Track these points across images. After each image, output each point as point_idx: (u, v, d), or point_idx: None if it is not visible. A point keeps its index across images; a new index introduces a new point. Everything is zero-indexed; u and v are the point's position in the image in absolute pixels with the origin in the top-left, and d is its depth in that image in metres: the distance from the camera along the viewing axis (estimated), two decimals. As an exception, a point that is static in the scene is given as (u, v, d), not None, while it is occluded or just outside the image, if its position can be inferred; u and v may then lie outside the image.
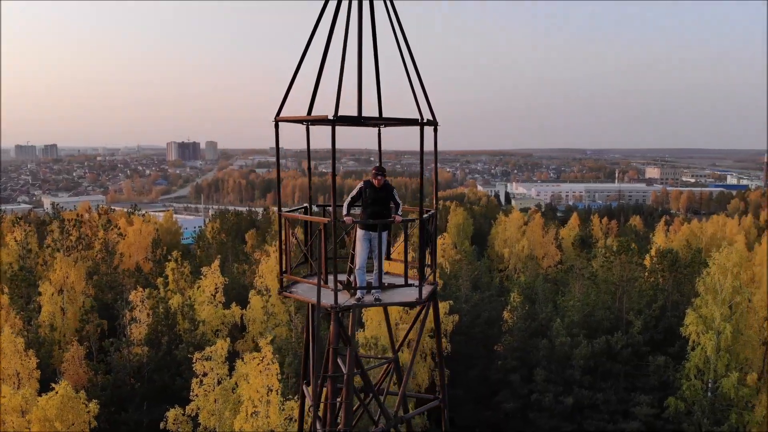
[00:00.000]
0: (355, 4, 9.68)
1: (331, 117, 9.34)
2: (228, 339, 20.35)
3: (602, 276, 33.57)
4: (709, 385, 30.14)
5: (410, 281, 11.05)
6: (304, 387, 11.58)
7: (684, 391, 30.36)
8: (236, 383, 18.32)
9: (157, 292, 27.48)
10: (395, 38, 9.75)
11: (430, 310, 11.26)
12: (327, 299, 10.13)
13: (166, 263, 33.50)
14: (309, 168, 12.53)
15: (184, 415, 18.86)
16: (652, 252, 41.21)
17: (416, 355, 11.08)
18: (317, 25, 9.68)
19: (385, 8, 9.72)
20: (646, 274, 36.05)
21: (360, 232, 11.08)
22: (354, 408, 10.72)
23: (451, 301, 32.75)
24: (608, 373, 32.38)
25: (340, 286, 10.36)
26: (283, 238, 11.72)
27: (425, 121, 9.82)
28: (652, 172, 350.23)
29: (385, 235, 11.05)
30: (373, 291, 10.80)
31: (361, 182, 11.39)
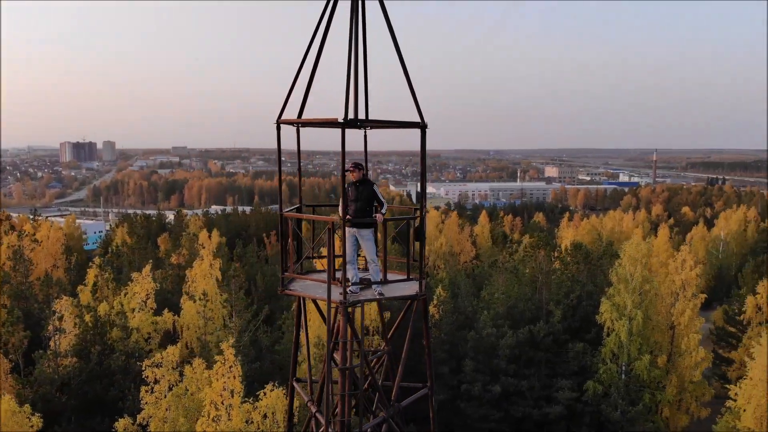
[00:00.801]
0: (345, 8, 9.83)
1: (341, 120, 9.43)
2: (180, 345, 19.68)
3: (523, 270, 35.39)
4: (623, 368, 32.52)
5: (393, 277, 11.50)
6: (294, 384, 11.56)
7: (601, 374, 32.62)
8: (186, 388, 17.80)
9: (78, 301, 25.87)
10: (393, 42, 9.98)
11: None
12: (325, 294, 10.36)
13: (88, 270, 31.70)
14: (299, 169, 12.42)
15: (134, 424, 18.04)
16: (565, 245, 43.80)
17: (408, 345, 11.40)
18: (317, 29, 9.76)
19: (383, 13, 9.92)
20: (562, 266, 38.28)
21: (346, 230, 11.23)
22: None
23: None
24: (531, 361, 34.11)
25: (348, 283, 10.61)
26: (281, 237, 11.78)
27: (424, 124, 10.16)
28: (551, 171, 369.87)
29: (368, 232, 11.25)
30: (374, 286, 11.05)
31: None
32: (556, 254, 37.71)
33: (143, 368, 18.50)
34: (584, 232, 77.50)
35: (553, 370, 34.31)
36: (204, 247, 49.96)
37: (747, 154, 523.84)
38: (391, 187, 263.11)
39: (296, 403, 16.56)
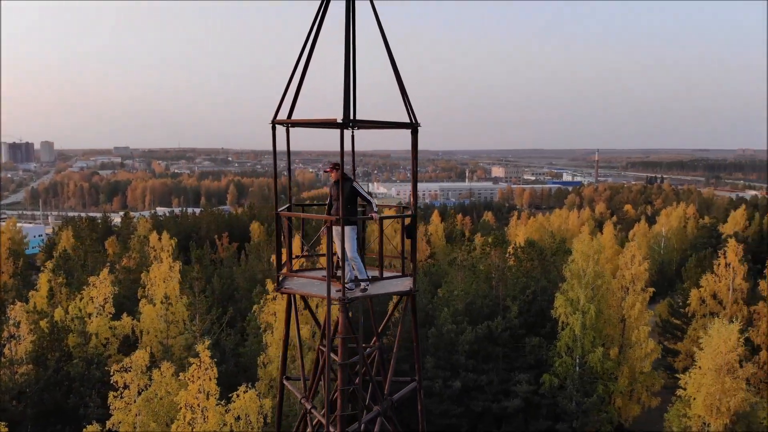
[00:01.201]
0: (339, 11, 9.93)
1: (340, 120, 9.50)
2: (151, 350, 19.22)
3: (480, 267, 36.17)
4: (578, 360, 33.66)
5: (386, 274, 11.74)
6: (284, 381, 11.54)
7: (557, 367, 33.66)
8: (155, 392, 17.41)
9: (30, 306, 24.81)
10: (385, 43, 10.13)
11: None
12: (320, 291, 10.50)
13: (39, 274, 30.40)
14: (289, 169, 12.38)
15: (103, 430, 17.46)
16: (518, 243, 44.91)
17: (398, 340, 11.59)
18: (311, 31, 9.81)
19: (374, 15, 10.06)
20: (517, 263, 39.26)
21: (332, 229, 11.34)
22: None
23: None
24: (490, 356, 34.86)
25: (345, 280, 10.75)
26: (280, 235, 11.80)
27: (416, 124, 10.35)
28: (497, 171, 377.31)
29: (350, 230, 11.36)
30: (362, 283, 11.18)
31: None
32: (511, 251, 38.67)
33: (112, 373, 18.00)
34: (533, 230, 79.70)
35: (510, 364, 35.15)
36: (156, 250, 48.83)
37: (683, 153, 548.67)
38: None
39: (271, 403, 16.51)
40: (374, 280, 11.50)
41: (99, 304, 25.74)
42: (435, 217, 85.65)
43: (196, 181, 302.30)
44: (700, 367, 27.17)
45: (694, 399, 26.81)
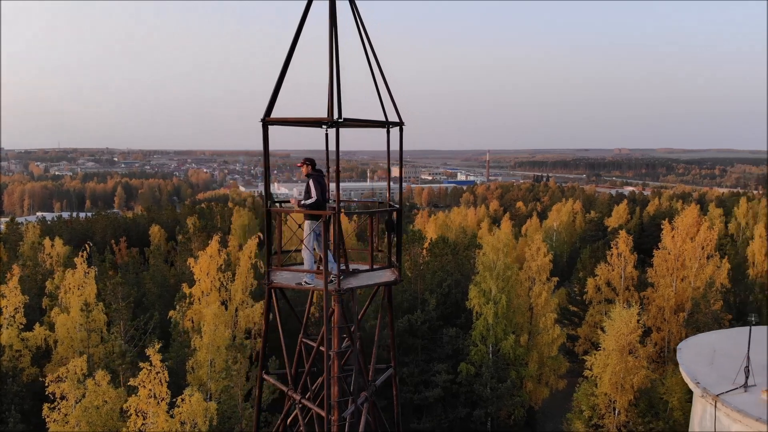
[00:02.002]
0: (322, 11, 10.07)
1: (334, 119, 9.60)
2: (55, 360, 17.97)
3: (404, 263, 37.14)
4: (491, 348, 35.44)
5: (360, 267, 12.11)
6: (265, 376, 11.44)
7: (472, 356, 35.25)
8: (91, 402, 16.39)
9: None
10: (370, 45, 10.35)
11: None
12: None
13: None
14: (267, 167, 12.32)
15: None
16: (431, 239, 46.38)
17: (379, 329, 11.88)
18: (299, 32, 9.84)
19: (355, 16, 10.26)
20: (431, 258, 40.57)
21: (307, 223, 11.58)
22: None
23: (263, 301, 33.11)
24: (410, 349, 35.86)
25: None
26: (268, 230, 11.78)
27: (390, 122, 10.66)
28: (396, 172, 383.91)
29: (308, 224, 11.68)
30: (332, 276, 11.38)
31: None
32: (426, 247, 39.94)
33: (47, 384, 16.79)
34: (439, 227, 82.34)
35: (429, 355, 36.33)
36: (51, 257, 45.65)
37: (566, 153, 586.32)
38: (242, 188, 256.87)
39: (216, 406, 16.19)
40: (362, 272, 11.87)
41: (9, 314, 23.74)
42: (342, 216, 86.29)
43: (79, 183, 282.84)
44: (604, 348, 29.55)
45: (601, 378, 29.15)
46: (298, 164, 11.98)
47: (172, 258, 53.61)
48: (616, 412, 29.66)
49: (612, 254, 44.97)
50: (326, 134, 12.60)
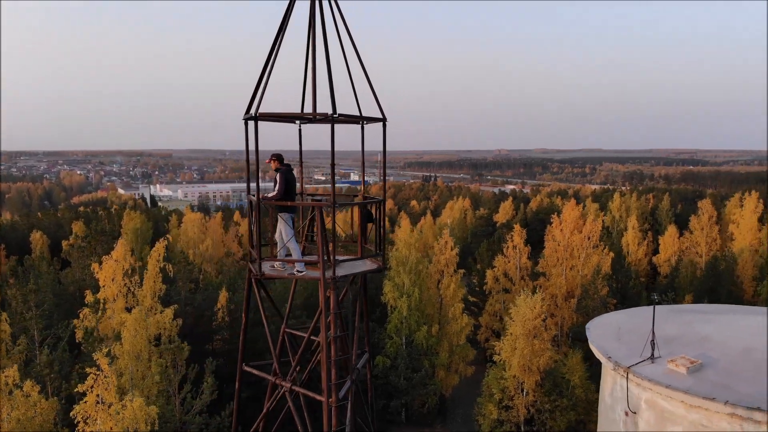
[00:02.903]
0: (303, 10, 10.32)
1: (335, 114, 9.82)
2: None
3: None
4: (405, 340, 36.69)
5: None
6: (248, 368, 11.35)
7: (388, 348, 36.33)
8: (24, 413, 15.14)
9: None
10: (349, 42, 10.69)
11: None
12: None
13: None
14: (248, 162, 12.28)
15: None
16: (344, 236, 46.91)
17: (357, 317, 12.21)
18: (281, 30, 9.96)
19: (332, 15, 10.55)
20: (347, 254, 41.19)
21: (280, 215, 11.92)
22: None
23: (176, 305, 32.09)
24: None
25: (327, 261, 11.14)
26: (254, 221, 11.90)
27: (384, 118, 11.08)
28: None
29: (286, 216, 12.01)
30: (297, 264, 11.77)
31: None
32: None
33: None
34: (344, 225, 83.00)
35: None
36: None
37: (451, 154, 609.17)
38: (120, 191, 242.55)
39: (157, 410, 15.76)
40: (343, 261, 12.29)
41: None
42: (237, 217, 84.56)
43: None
44: (511, 333, 31.70)
45: (510, 362, 31.22)
46: (267, 161, 12.30)
47: (57, 264, 50.08)
48: (525, 392, 31.91)
49: (508, 247, 48.00)
50: (299, 130, 12.88)
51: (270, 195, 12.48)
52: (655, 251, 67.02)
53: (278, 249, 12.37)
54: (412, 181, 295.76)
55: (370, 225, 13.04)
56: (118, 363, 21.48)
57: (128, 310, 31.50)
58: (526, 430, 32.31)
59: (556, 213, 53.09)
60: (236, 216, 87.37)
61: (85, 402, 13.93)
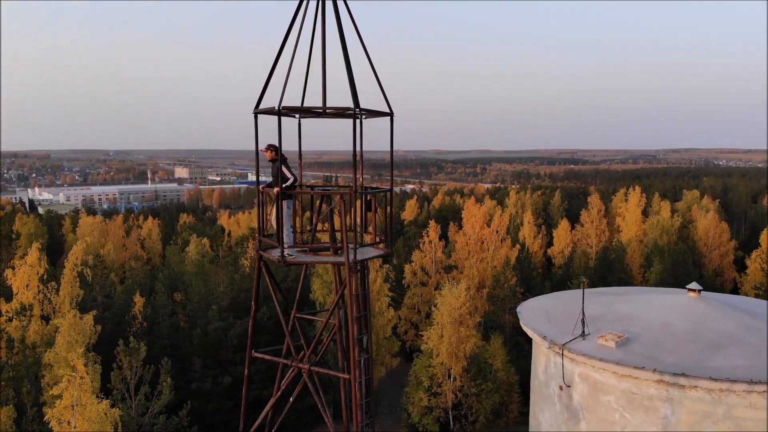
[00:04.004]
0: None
1: (353, 108, 10.25)
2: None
3: (240, 261, 37.07)
4: (334, 336, 37.23)
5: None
6: (258, 354, 11.47)
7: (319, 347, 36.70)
8: None
9: None
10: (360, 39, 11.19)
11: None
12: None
13: None
14: (257, 155, 12.41)
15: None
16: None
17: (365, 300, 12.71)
18: (290, 28, 10.32)
19: (340, 12, 11.04)
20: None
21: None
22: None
23: (95, 311, 30.83)
24: (257, 346, 35.97)
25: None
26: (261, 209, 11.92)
27: (392, 112, 11.71)
28: (181, 172, 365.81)
29: (289, 202, 12.57)
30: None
31: None
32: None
33: None
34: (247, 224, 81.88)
35: (277, 350, 36.87)
36: None
37: (350, 154, 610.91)
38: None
39: (120, 412, 15.44)
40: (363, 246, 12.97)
41: None
42: (132, 220, 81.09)
43: None
44: (438, 323, 33.31)
45: (438, 350, 32.81)
46: (263, 149, 12.83)
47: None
48: (452, 378, 33.64)
49: (424, 242, 49.93)
50: (299, 124, 13.32)
51: (287, 183, 12.99)
52: (549, 244, 71.86)
53: (285, 234, 12.88)
54: (313, 181, 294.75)
55: (369, 214, 13.75)
56: (52, 371, 20.58)
57: (45, 318, 29.91)
58: (454, 414, 34.09)
59: (461, 209, 55.75)
60: (131, 219, 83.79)
61: (54, 406, 13.44)
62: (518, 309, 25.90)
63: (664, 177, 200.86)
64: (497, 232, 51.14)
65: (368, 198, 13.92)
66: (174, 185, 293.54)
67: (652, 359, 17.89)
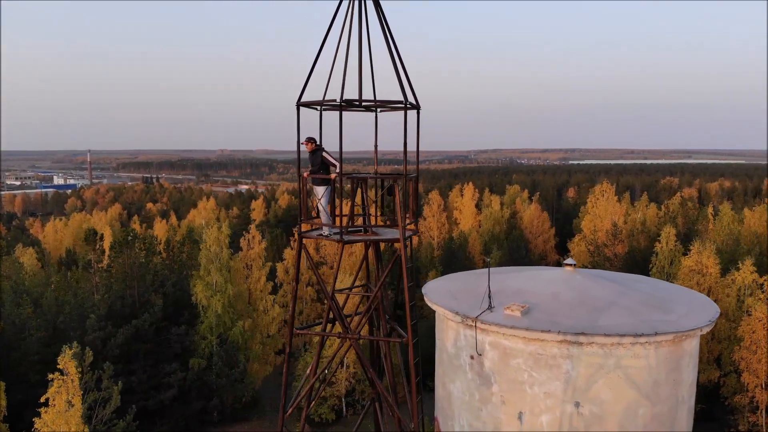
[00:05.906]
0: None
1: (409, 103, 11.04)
2: None
3: (116, 268, 34.70)
4: (221, 338, 36.59)
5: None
6: (295, 330, 11.66)
7: (202, 349, 35.87)
8: None
9: None
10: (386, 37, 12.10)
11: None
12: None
13: None
14: (298, 146, 12.66)
15: None
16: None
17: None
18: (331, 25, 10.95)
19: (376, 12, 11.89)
20: (147, 258, 38.65)
21: (315, 188, 13.41)
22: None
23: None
24: (137, 355, 34.19)
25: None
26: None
27: (409, 104, 12.64)
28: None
29: (322, 189, 13.43)
30: (326, 229, 13.77)
31: None
32: (138, 249, 37.96)
33: None
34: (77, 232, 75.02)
35: (157, 358, 35.25)
36: None
37: (170, 154, 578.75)
38: None
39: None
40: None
41: None
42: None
43: None
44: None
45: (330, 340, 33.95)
46: (303, 142, 13.84)
47: None
48: (345, 366, 35.11)
49: (295, 240, 50.72)
50: (320, 115, 13.89)
51: (336, 172, 13.81)
52: (395, 238, 76.15)
53: (325, 217, 13.73)
54: (131, 183, 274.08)
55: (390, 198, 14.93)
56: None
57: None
58: (347, 401, 35.53)
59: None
60: None
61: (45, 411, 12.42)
62: (423, 290, 28.21)
63: (480, 175, 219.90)
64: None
65: (391, 184, 15.08)
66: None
67: (554, 323, 20.99)
